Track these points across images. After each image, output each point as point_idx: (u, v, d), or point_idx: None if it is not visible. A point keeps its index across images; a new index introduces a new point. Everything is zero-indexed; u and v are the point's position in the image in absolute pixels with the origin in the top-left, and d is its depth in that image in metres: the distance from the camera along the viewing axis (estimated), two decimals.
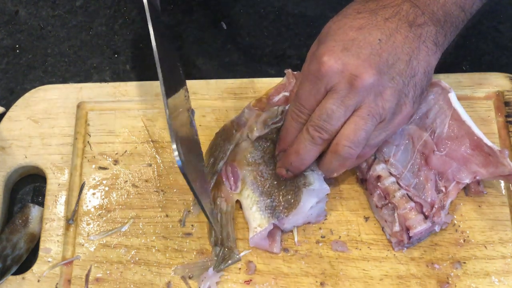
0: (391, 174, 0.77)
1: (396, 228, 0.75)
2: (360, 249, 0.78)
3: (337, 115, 0.71)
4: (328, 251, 0.77)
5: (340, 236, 0.78)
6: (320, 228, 0.79)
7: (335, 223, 0.79)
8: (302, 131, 0.74)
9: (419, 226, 0.74)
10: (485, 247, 0.77)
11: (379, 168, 0.77)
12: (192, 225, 0.79)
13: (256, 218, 0.77)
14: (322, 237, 0.78)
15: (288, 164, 0.76)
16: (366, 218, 0.79)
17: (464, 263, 0.76)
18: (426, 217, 0.75)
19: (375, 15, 0.73)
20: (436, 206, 0.76)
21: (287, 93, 0.81)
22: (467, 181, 0.77)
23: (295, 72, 0.82)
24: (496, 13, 0.95)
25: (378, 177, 0.77)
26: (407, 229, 0.75)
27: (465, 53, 0.93)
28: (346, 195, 0.81)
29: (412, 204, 0.75)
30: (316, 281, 0.76)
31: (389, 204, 0.76)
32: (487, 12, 0.95)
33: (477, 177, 0.77)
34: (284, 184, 0.77)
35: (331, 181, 0.80)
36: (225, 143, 0.80)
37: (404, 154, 0.79)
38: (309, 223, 0.79)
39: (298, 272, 0.77)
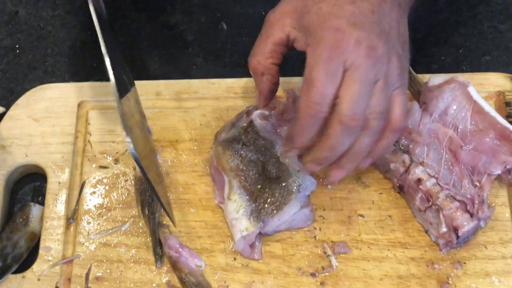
0: (429, 175, 0.76)
1: (443, 229, 0.74)
2: (360, 249, 0.78)
3: (364, 97, 0.68)
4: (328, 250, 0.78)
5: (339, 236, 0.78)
6: (320, 228, 0.79)
7: (335, 223, 0.79)
8: (333, 126, 0.69)
9: (467, 225, 0.74)
10: (485, 247, 0.77)
11: (419, 171, 0.76)
12: (193, 224, 0.80)
13: (243, 222, 0.75)
14: None
15: (323, 161, 0.72)
16: (366, 218, 0.79)
17: (464, 263, 0.76)
18: (471, 215, 0.74)
19: None
20: (476, 201, 0.75)
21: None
22: (498, 171, 0.76)
23: None
24: (496, 13, 0.95)
25: (419, 180, 0.76)
26: (455, 229, 0.74)
27: (465, 53, 0.93)
28: (346, 194, 0.81)
29: (457, 203, 0.74)
30: (316, 281, 0.76)
31: (433, 206, 0.75)
32: (487, 12, 0.95)
33: (508, 166, 0.76)
34: (270, 187, 0.76)
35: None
36: None
37: (435, 152, 0.78)
38: (298, 228, 0.78)
39: (298, 271, 0.77)
